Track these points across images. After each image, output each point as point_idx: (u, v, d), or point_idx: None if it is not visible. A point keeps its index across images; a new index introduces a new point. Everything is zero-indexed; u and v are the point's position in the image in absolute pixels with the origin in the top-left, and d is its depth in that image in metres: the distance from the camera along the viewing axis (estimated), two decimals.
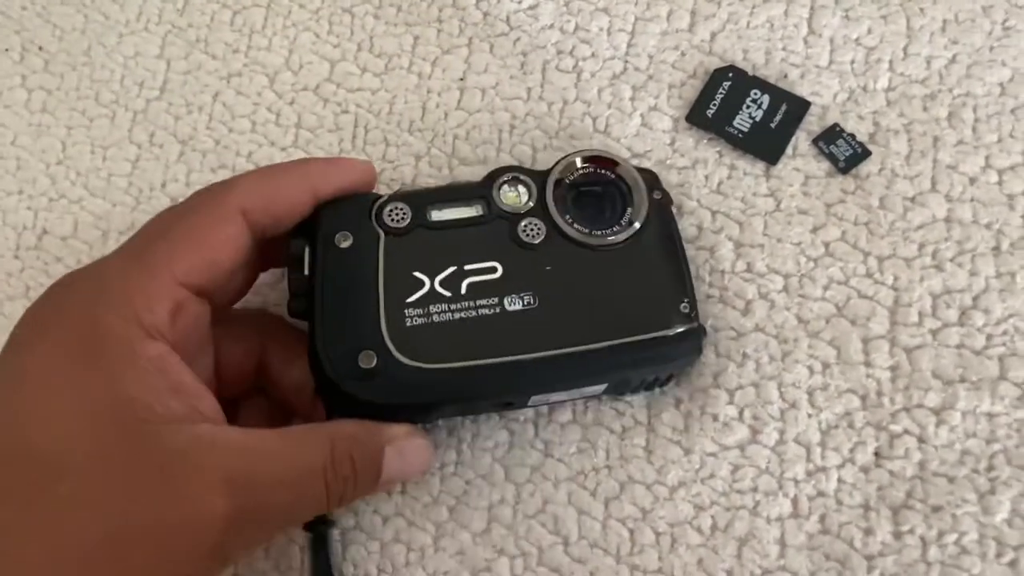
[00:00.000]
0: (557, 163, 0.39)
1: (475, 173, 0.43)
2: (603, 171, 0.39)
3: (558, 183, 0.38)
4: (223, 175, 0.45)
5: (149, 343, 0.31)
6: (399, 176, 0.44)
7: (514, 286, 0.36)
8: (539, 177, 0.38)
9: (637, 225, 0.38)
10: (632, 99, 0.44)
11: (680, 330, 0.36)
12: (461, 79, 0.46)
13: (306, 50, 0.47)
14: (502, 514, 0.38)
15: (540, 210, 0.38)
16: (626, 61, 0.45)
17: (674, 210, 0.41)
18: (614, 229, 0.37)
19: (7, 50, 0.50)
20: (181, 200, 0.35)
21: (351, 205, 0.37)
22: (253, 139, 0.46)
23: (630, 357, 0.36)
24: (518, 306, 0.36)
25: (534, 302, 0.36)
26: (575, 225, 0.37)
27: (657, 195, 0.38)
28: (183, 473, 0.29)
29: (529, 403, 0.38)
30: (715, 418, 0.38)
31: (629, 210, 0.38)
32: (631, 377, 0.37)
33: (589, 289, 0.36)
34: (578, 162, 0.39)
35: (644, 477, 0.38)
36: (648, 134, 0.43)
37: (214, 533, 0.29)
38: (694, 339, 0.37)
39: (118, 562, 0.28)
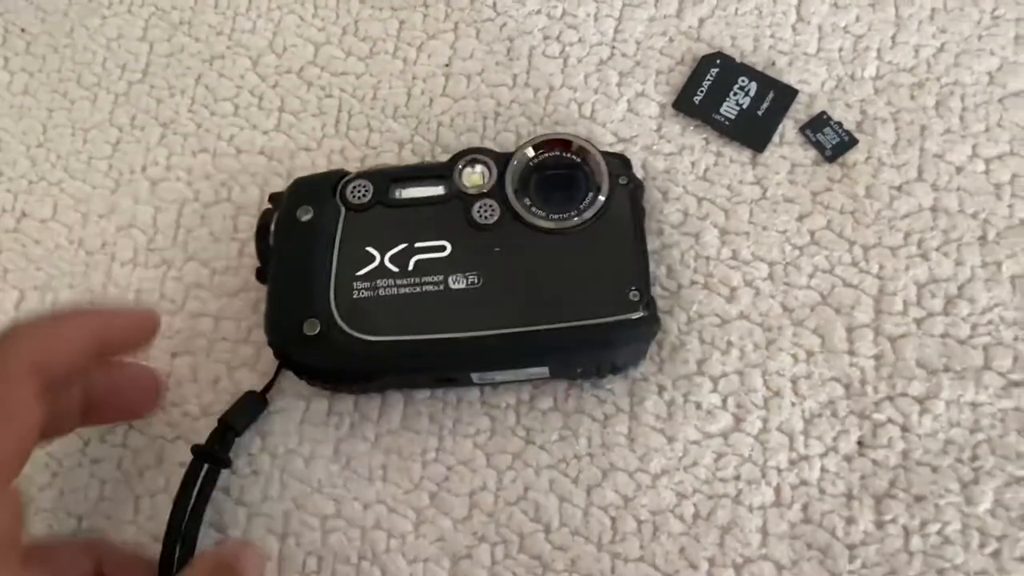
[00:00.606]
0: (520, 146, 0.39)
1: None
2: (567, 154, 0.39)
3: (521, 166, 0.38)
4: (204, 159, 0.45)
5: None
6: (381, 163, 0.44)
7: (460, 265, 0.37)
8: (502, 159, 0.39)
9: (594, 210, 0.37)
10: (619, 85, 0.44)
11: (626, 317, 0.36)
12: (446, 65, 0.46)
13: (290, 33, 0.47)
14: (483, 501, 0.38)
15: (497, 192, 0.38)
16: (613, 47, 0.45)
17: (658, 195, 0.41)
18: (571, 213, 0.37)
19: None
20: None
21: (318, 181, 0.39)
22: (235, 122, 0.45)
23: (570, 341, 0.35)
24: (461, 284, 0.36)
25: (478, 282, 0.36)
26: (533, 208, 0.37)
27: (623, 180, 0.38)
28: None
29: (474, 380, 0.38)
30: (698, 406, 0.38)
31: (590, 195, 0.38)
32: (573, 362, 0.37)
33: (537, 272, 0.36)
34: (532, 149, 0.39)
35: (626, 465, 0.38)
36: (634, 120, 0.43)
37: None
38: (642, 327, 0.36)
39: None
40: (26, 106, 0.48)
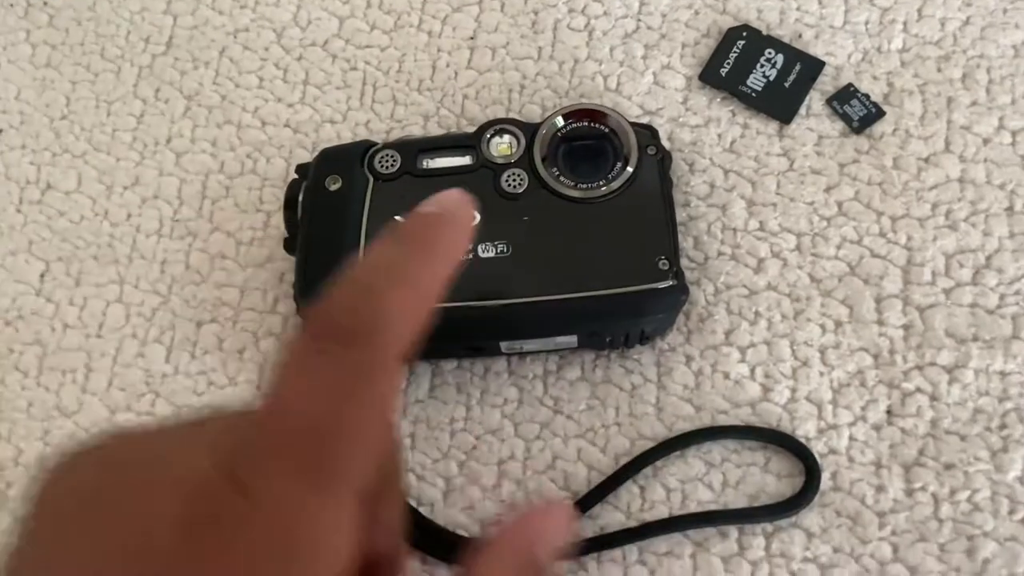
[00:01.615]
0: (548, 116, 0.39)
1: None
2: (596, 125, 0.39)
3: (549, 136, 0.38)
4: (228, 131, 0.45)
5: None
6: (408, 135, 0.44)
7: (489, 234, 0.37)
8: (530, 129, 0.39)
9: (622, 180, 0.37)
10: (644, 58, 0.44)
11: (654, 286, 0.36)
12: (471, 38, 0.46)
13: (315, 6, 0.47)
14: (512, 470, 0.38)
15: (526, 162, 0.38)
16: (639, 20, 0.45)
17: (685, 167, 0.41)
18: (599, 183, 0.37)
19: (12, 5, 0.49)
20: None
21: (346, 151, 0.39)
22: (260, 95, 0.45)
23: (598, 309, 0.36)
24: (491, 253, 0.36)
25: (507, 251, 0.36)
26: (561, 178, 0.38)
27: (652, 151, 0.38)
28: None
29: (502, 350, 0.38)
30: (726, 376, 0.38)
31: (618, 164, 0.38)
32: (602, 330, 0.37)
33: (565, 241, 0.37)
34: (562, 118, 0.39)
35: (654, 434, 0.38)
36: (660, 92, 0.43)
37: None
38: (670, 296, 0.36)
39: None
40: (49, 78, 0.47)
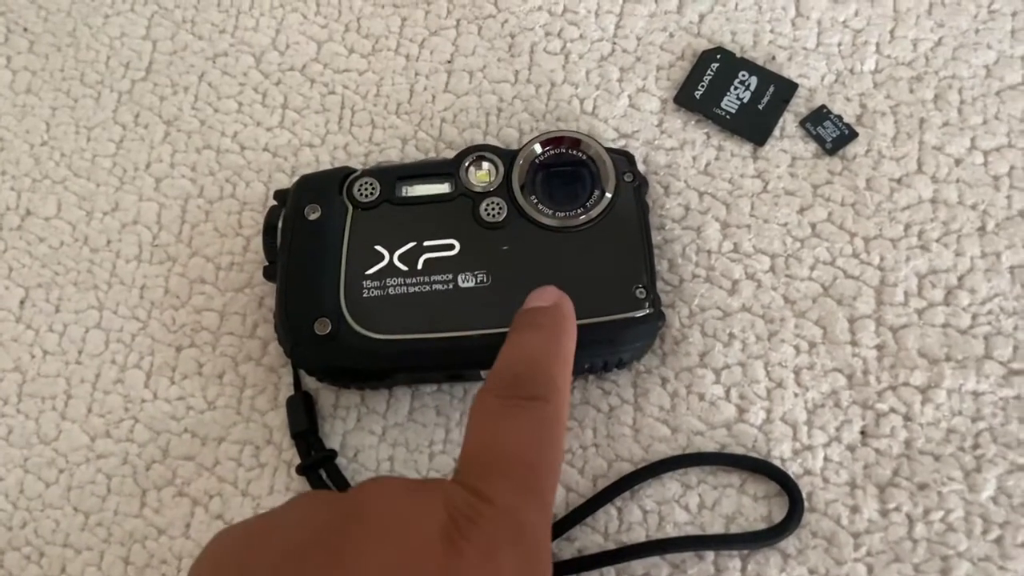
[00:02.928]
0: (526, 144, 0.39)
1: None
2: (572, 151, 0.39)
3: (527, 164, 0.39)
4: (207, 155, 0.45)
5: None
6: (385, 159, 0.44)
7: (469, 263, 0.37)
8: (508, 156, 0.39)
9: (600, 208, 0.38)
10: (620, 80, 0.44)
11: (632, 315, 0.36)
12: (449, 61, 0.46)
13: (293, 30, 0.47)
14: None
15: (504, 190, 0.38)
16: (614, 43, 0.45)
17: (660, 190, 0.41)
18: (577, 211, 0.38)
19: None
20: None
21: (324, 179, 0.39)
22: (239, 119, 0.46)
23: (577, 339, 0.35)
24: (471, 283, 0.37)
25: (487, 280, 0.37)
26: (539, 206, 0.38)
27: (628, 178, 0.38)
28: None
29: (483, 377, 0.38)
30: (702, 397, 0.38)
31: (596, 192, 0.38)
32: (580, 358, 0.36)
33: (544, 270, 0.37)
34: (539, 145, 0.39)
35: (631, 455, 0.38)
36: (636, 115, 0.43)
37: None
38: (647, 324, 0.36)
39: None
40: (29, 104, 0.48)
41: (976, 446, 0.36)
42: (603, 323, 0.36)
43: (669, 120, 0.43)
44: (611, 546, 0.37)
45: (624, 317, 0.36)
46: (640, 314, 0.36)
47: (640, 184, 0.39)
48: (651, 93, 0.44)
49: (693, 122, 0.43)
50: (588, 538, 0.37)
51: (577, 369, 0.38)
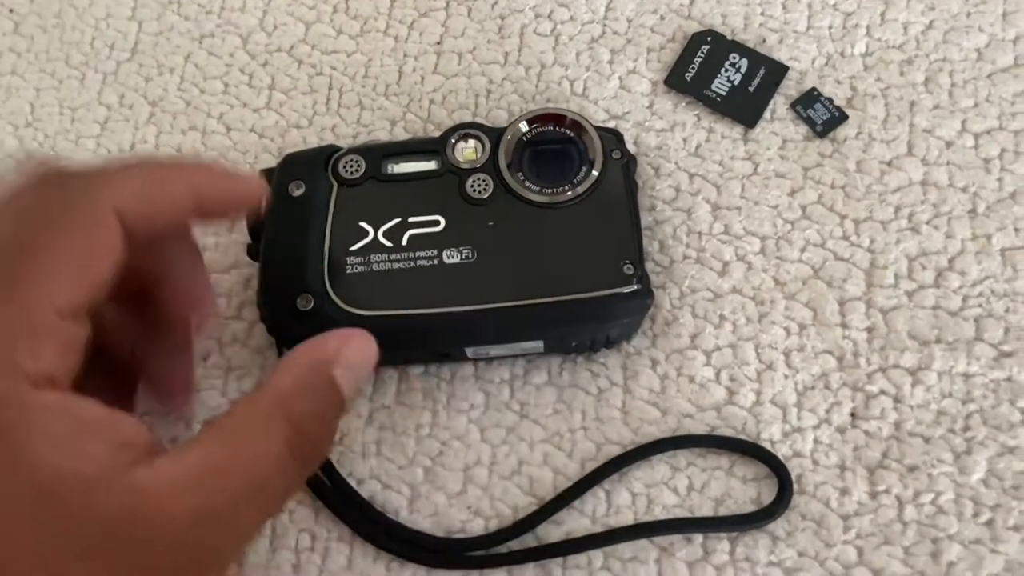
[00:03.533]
0: (513, 121, 0.39)
1: None
2: (560, 129, 0.39)
3: (514, 140, 0.38)
4: (193, 137, 0.45)
5: (41, 394, 0.25)
6: (373, 139, 0.44)
7: (454, 240, 0.36)
8: (495, 133, 0.38)
9: (587, 184, 0.37)
10: (610, 62, 0.44)
11: (620, 291, 0.36)
12: (438, 43, 0.46)
13: (280, 11, 0.47)
14: (477, 475, 0.38)
15: (491, 166, 0.38)
16: (604, 25, 0.45)
17: (650, 171, 0.41)
18: (564, 188, 0.37)
19: None
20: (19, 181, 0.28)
21: (309, 156, 0.39)
22: (225, 100, 0.45)
23: (564, 315, 0.35)
24: (456, 259, 0.36)
25: (472, 256, 0.36)
26: (526, 183, 0.37)
27: (616, 155, 0.38)
28: (131, 544, 0.24)
29: (468, 355, 0.38)
30: (692, 379, 0.38)
31: (583, 169, 0.38)
32: (568, 335, 0.37)
33: (531, 246, 0.36)
34: (526, 123, 0.39)
35: (621, 438, 0.38)
36: (626, 97, 0.43)
37: None
38: (635, 301, 0.36)
39: None
40: (14, 86, 0.47)
41: (967, 428, 0.36)
42: (590, 298, 0.35)
43: (660, 102, 0.43)
44: (599, 529, 0.36)
45: (611, 293, 0.35)
46: (628, 290, 0.35)
47: (628, 161, 0.38)
48: (642, 75, 0.43)
49: (683, 104, 0.43)
50: (576, 521, 0.37)
51: (565, 348, 0.38)
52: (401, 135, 0.44)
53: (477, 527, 0.37)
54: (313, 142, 0.44)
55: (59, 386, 0.25)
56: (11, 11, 0.49)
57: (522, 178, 0.38)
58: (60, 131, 0.46)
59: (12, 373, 0.24)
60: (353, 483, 0.38)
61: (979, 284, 0.38)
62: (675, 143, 0.42)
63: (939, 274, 0.38)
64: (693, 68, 0.43)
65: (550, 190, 0.37)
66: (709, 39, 0.43)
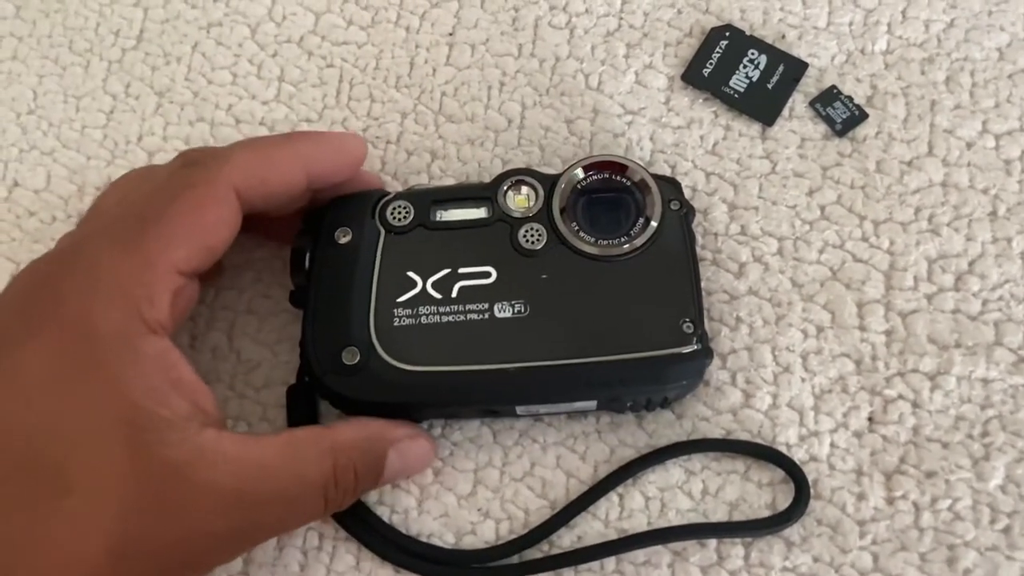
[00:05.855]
0: (567, 168, 0.37)
1: (462, 131, 0.42)
2: (617, 177, 0.37)
3: (568, 188, 0.37)
4: (201, 129, 0.44)
5: (150, 339, 0.30)
6: (384, 134, 0.43)
7: (506, 293, 0.35)
8: (548, 181, 0.37)
9: (645, 237, 0.36)
10: (626, 56, 0.43)
11: (679, 351, 0.34)
12: (450, 34, 0.45)
13: (290, 1, 0.46)
14: (488, 477, 0.37)
15: (544, 216, 0.36)
16: (621, 18, 0.44)
17: (667, 170, 0.40)
18: (621, 240, 0.36)
19: None
20: (160, 162, 0.33)
21: (356, 201, 0.37)
22: (233, 91, 0.44)
23: (620, 375, 0.34)
24: (508, 313, 0.35)
25: (525, 311, 0.35)
26: (580, 233, 0.36)
27: (675, 206, 0.36)
28: (182, 492, 0.29)
29: (518, 413, 0.37)
30: (707, 382, 0.38)
31: (641, 220, 0.36)
32: (623, 395, 0.35)
33: (586, 301, 0.35)
34: (582, 170, 0.37)
35: (635, 441, 0.37)
36: (642, 92, 0.42)
37: (207, 551, 0.30)
38: (694, 362, 0.34)
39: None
40: (15, 72, 0.46)
41: (985, 434, 0.36)
42: (647, 359, 0.34)
43: (676, 98, 0.42)
44: (612, 534, 0.36)
45: (670, 353, 0.34)
46: (687, 350, 0.34)
47: (687, 212, 0.37)
48: (658, 70, 0.43)
49: (701, 100, 0.42)
50: (588, 525, 0.36)
51: (619, 407, 0.37)
52: (412, 127, 0.43)
53: (487, 529, 0.36)
54: None
55: (165, 333, 0.31)
56: None
57: (576, 228, 0.36)
58: (65, 120, 0.45)
59: (132, 314, 0.29)
60: None
61: (999, 288, 0.38)
62: (692, 141, 0.41)
63: (959, 277, 0.38)
64: (711, 64, 0.42)
65: (605, 241, 0.36)
66: (727, 34, 0.42)
